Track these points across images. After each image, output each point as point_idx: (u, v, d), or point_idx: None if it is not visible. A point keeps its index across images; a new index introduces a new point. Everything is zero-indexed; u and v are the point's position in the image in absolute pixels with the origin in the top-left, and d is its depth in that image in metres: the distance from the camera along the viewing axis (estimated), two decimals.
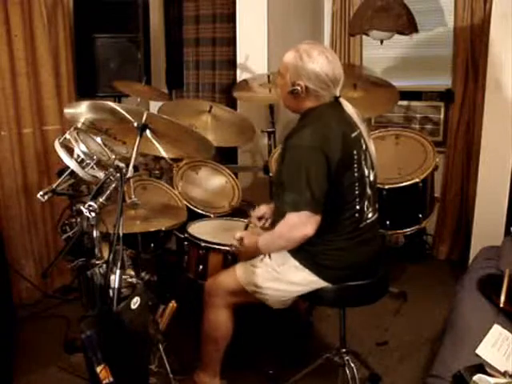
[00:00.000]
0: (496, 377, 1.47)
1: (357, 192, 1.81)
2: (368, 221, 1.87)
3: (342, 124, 1.79)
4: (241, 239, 1.95)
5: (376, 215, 1.93)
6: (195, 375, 2.13)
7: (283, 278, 1.89)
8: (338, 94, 1.81)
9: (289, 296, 1.93)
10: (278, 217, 1.88)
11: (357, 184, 1.80)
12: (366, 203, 1.86)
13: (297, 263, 1.86)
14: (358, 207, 1.82)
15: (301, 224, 1.71)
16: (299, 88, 1.77)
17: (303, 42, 1.84)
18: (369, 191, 1.86)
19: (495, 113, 2.79)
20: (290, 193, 1.73)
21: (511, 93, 2.73)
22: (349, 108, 1.84)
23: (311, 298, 1.95)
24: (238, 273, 1.97)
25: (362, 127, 1.84)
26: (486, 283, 2.04)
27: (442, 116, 3.55)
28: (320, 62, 1.74)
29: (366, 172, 1.85)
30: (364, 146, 1.84)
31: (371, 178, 1.88)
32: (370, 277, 1.89)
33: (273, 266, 1.91)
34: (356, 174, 1.80)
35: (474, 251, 2.78)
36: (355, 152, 1.79)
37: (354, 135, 1.80)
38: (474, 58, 3.30)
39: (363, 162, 1.83)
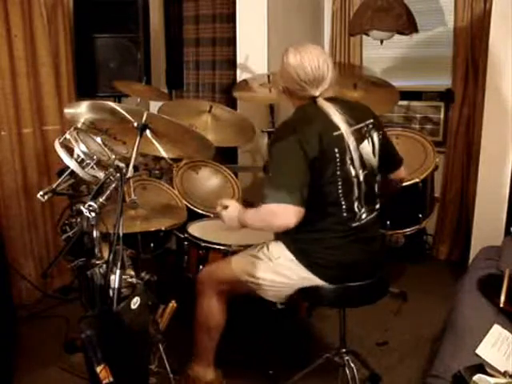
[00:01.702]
0: (496, 377, 1.47)
1: (340, 191, 1.80)
2: (362, 221, 1.87)
3: (322, 122, 1.78)
4: (225, 207, 1.94)
5: (373, 215, 1.92)
6: (189, 369, 2.13)
7: (279, 270, 1.90)
8: (317, 93, 1.81)
9: (283, 289, 1.93)
10: None
11: (340, 183, 1.79)
12: (356, 203, 1.84)
13: (292, 257, 1.87)
14: (344, 206, 1.82)
15: (282, 213, 1.70)
16: (281, 88, 1.88)
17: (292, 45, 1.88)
18: (356, 191, 1.84)
19: (495, 113, 2.79)
20: (271, 185, 1.74)
21: (511, 93, 2.73)
22: (331, 109, 1.79)
23: (311, 298, 1.95)
24: (234, 262, 1.99)
25: (344, 127, 1.78)
26: (486, 283, 2.04)
27: (442, 116, 3.55)
28: (293, 63, 1.80)
29: (353, 172, 1.82)
30: (352, 146, 1.80)
31: (361, 178, 1.85)
32: (368, 277, 1.88)
33: (269, 257, 1.92)
34: (338, 173, 1.79)
35: (474, 251, 2.78)
36: (336, 150, 1.78)
37: (336, 134, 1.78)
38: (474, 58, 3.30)
39: (348, 162, 1.80)
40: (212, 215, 2.63)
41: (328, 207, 1.81)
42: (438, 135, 3.57)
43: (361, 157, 1.84)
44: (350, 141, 1.81)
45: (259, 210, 1.78)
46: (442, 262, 3.55)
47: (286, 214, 1.70)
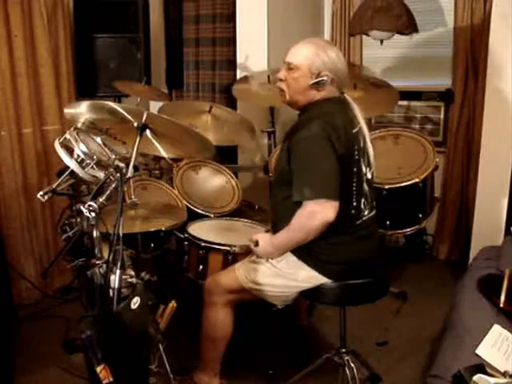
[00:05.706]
0: (496, 377, 1.47)
1: (354, 188, 1.82)
2: (364, 218, 1.88)
3: (344, 118, 1.81)
4: (256, 242, 1.91)
5: (373, 212, 1.94)
6: (194, 375, 2.13)
7: (283, 273, 1.89)
8: (346, 89, 1.90)
9: (289, 292, 1.93)
10: (278, 216, 1.91)
11: (354, 180, 1.82)
12: (363, 200, 1.87)
13: (295, 259, 1.87)
14: (354, 203, 1.84)
15: (320, 210, 1.69)
16: (326, 78, 1.80)
17: (311, 38, 1.88)
18: (365, 188, 1.88)
19: (495, 113, 2.79)
20: (304, 183, 1.72)
21: (511, 93, 2.73)
22: (353, 104, 1.88)
23: (312, 296, 1.96)
24: (237, 270, 1.98)
25: (363, 123, 1.87)
26: (486, 283, 2.04)
27: (442, 116, 3.56)
28: (340, 58, 1.84)
29: (364, 169, 1.87)
30: (362, 143, 1.86)
31: (368, 176, 1.90)
32: (370, 275, 1.89)
33: (272, 262, 1.92)
34: (354, 169, 1.82)
35: (474, 251, 2.79)
36: (356, 148, 1.82)
37: (354, 131, 1.83)
38: (474, 58, 3.30)
39: (361, 159, 1.85)
40: (212, 215, 2.63)
41: (340, 204, 1.80)
42: (438, 135, 3.57)
43: (368, 154, 1.89)
44: (365, 138, 1.86)
45: (293, 221, 1.76)
46: (442, 262, 3.55)
47: (325, 209, 1.69)
